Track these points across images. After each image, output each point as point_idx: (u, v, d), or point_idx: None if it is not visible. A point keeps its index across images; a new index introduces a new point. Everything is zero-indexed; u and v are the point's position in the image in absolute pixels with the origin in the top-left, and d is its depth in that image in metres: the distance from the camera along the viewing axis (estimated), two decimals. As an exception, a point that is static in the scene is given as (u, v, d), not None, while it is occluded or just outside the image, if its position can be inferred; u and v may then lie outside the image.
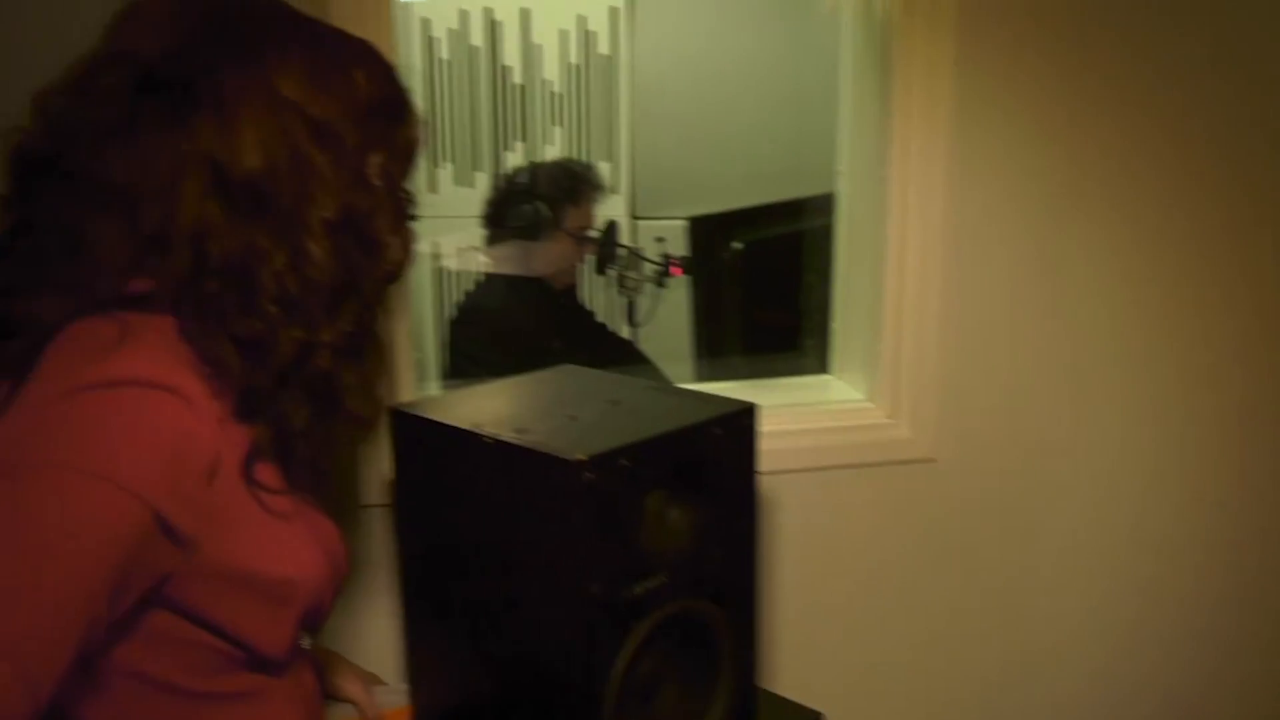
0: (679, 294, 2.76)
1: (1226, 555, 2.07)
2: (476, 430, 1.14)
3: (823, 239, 2.02)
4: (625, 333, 2.80)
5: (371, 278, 1.01)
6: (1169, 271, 1.92)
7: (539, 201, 2.44)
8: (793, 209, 2.38)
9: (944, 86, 1.75)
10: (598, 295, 3.05)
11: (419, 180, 1.26)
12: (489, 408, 1.25)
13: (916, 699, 2.00)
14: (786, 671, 1.82)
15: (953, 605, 1.96)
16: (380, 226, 1.00)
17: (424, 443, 1.21)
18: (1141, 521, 2.01)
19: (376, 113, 1.00)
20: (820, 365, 2.02)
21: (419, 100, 1.08)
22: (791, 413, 1.83)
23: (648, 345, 2.72)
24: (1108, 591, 2.03)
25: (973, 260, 1.83)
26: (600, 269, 2.65)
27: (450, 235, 3.09)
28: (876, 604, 1.94)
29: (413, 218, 1.06)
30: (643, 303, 2.74)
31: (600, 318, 2.92)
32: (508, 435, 1.12)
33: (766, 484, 1.75)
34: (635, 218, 3.38)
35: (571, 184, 2.53)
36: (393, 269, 1.04)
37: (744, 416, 1.21)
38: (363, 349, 1.02)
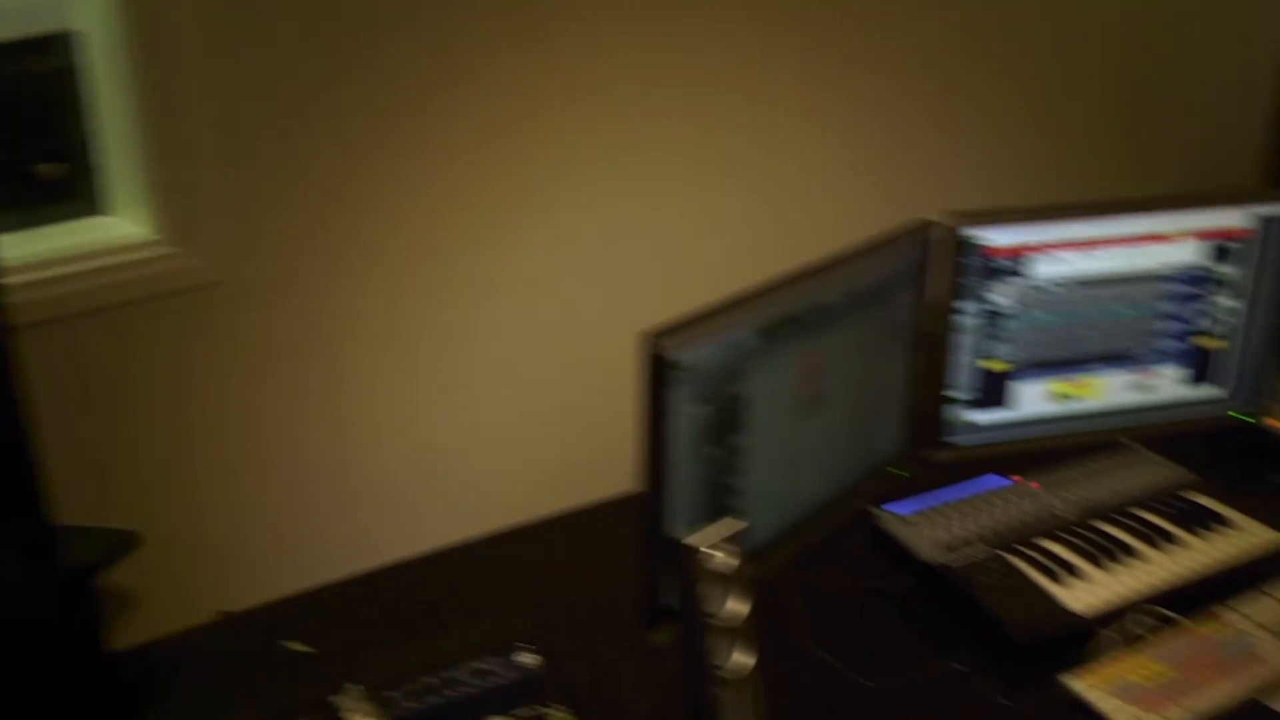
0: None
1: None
2: None
3: (80, 76, 1.92)
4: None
5: None
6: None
7: None
8: (39, 45, 2.20)
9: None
10: None
11: None
12: None
13: (228, 521, 2.09)
14: (108, 508, 1.82)
15: (253, 411, 2.06)
16: None
17: None
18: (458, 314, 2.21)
19: None
20: (97, 208, 1.95)
21: None
22: (66, 257, 1.77)
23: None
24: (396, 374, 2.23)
25: (235, 75, 1.84)
26: None
27: None
28: (192, 423, 1.99)
29: None
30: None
31: None
32: None
33: (48, 332, 1.71)
34: None
35: None
36: None
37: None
38: None
